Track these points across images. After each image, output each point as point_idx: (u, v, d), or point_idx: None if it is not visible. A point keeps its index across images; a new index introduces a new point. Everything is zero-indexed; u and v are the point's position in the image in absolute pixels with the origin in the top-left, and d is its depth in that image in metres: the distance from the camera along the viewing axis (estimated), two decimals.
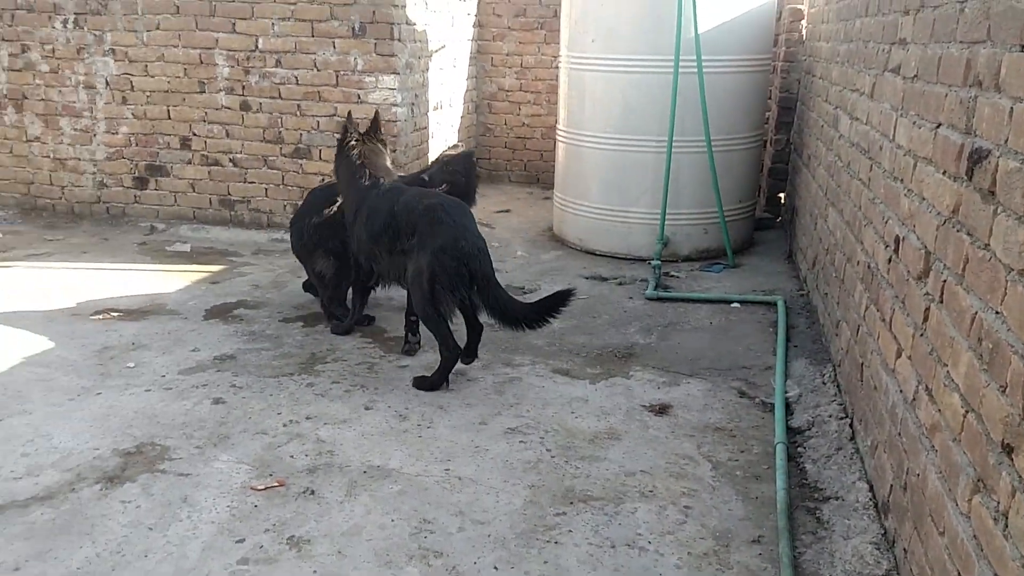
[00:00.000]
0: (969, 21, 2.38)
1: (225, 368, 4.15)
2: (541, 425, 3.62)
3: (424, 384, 3.94)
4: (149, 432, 3.49)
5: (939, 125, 2.56)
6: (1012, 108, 1.98)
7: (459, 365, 4.10)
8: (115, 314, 4.88)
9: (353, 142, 4.49)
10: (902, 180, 2.96)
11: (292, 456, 3.29)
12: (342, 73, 6.49)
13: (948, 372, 2.25)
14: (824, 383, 3.93)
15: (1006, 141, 2.00)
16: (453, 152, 4.89)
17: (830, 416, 3.56)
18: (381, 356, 4.34)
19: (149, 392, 3.87)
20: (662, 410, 3.81)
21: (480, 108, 9.00)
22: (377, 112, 4.97)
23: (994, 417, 1.89)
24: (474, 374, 4.14)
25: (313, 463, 3.24)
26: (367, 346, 4.47)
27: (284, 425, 3.56)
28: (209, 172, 6.89)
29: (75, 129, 7.01)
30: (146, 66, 6.77)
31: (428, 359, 4.29)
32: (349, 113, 4.88)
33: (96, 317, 4.81)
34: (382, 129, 4.79)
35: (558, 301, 3.94)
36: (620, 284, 5.74)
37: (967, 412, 2.07)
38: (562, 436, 3.53)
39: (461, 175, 4.79)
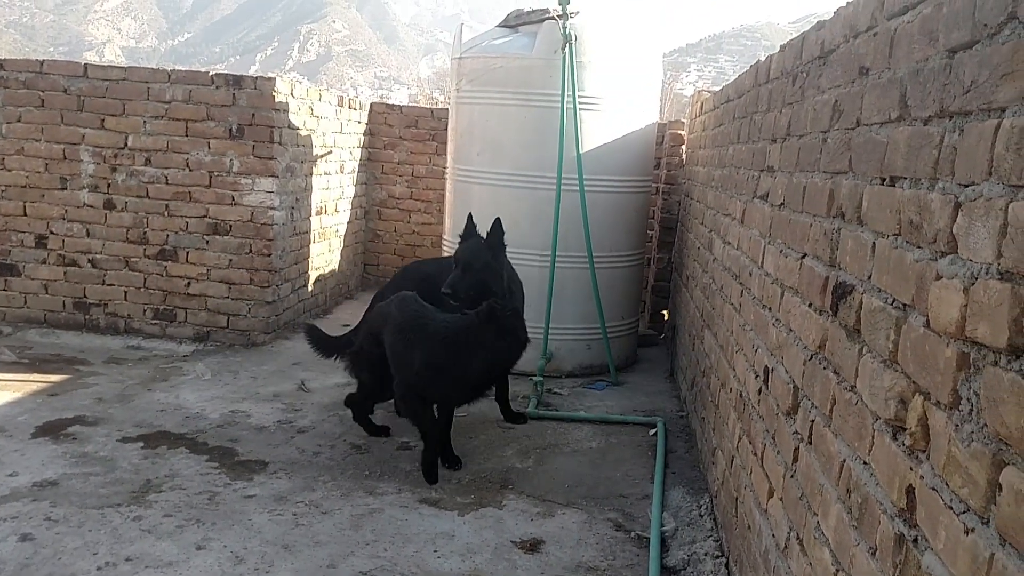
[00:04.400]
0: (832, 151, 2.33)
1: (43, 497, 3.65)
2: (398, 567, 3.27)
3: None
4: None
5: (804, 255, 2.49)
6: (875, 243, 1.89)
7: (313, 495, 3.73)
8: None
9: None
10: (770, 308, 2.87)
11: None
12: (216, 174, 6.20)
13: (819, 522, 2.08)
14: (701, 515, 3.74)
15: (869, 277, 1.90)
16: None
17: (706, 554, 3.35)
18: (226, 484, 3.91)
19: None
20: (533, 547, 3.52)
21: (370, 214, 8.83)
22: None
23: None
24: (330, 505, 3.76)
25: None
26: (212, 471, 4.04)
27: (99, 568, 3.09)
28: (65, 273, 6.40)
29: None
30: (3, 159, 6.32)
31: (280, 487, 3.90)
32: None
33: None
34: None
35: None
36: None
37: (838, 571, 1.89)
38: None
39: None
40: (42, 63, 6.31)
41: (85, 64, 6.37)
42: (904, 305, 1.67)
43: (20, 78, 6.24)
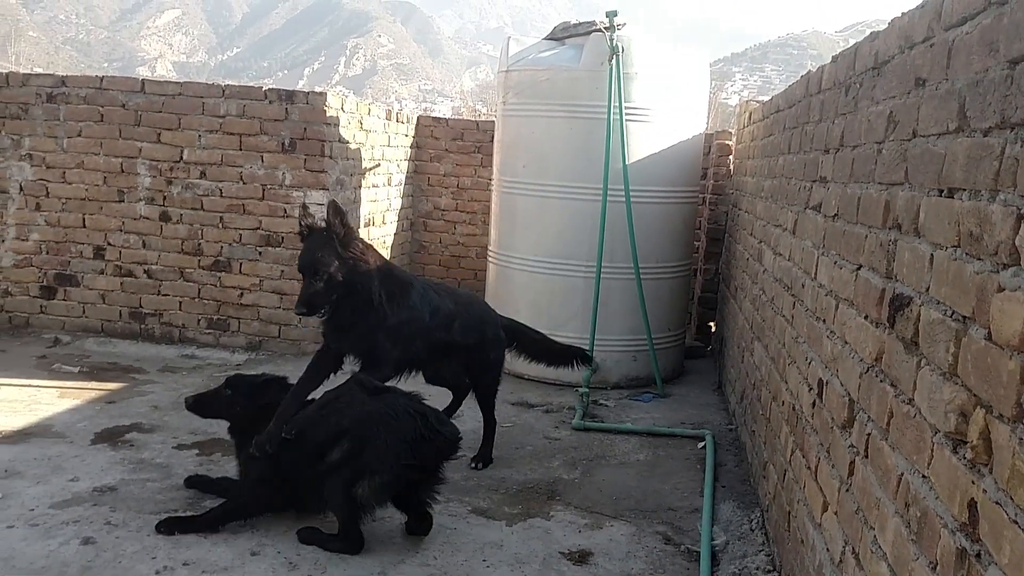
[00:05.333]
0: (887, 162, 2.31)
1: (103, 502, 3.75)
2: None
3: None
4: None
5: (860, 267, 2.47)
6: (932, 255, 1.87)
7: None
8: None
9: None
10: (824, 320, 2.85)
11: None
12: (269, 187, 6.34)
13: (875, 536, 2.06)
14: (752, 529, 3.70)
15: (927, 289, 1.88)
16: None
17: (757, 568, 3.32)
18: None
19: (11, 529, 3.45)
20: (582, 558, 3.53)
21: (416, 226, 8.92)
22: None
23: None
24: (381, 512, 3.79)
25: None
26: None
27: (157, 572, 3.16)
28: (122, 283, 6.58)
29: None
30: (64, 172, 6.53)
31: None
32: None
33: None
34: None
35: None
36: (547, 412, 5.52)
37: None
38: None
39: None
40: (102, 79, 6.51)
41: (143, 80, 6.56)
42: (964, 317, 1.66)
43: (81, 94, 6.44)
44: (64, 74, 6.70)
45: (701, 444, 4.94)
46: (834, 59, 3.29)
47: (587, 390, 5.59)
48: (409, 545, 3.53)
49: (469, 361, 4.52)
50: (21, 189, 6.59)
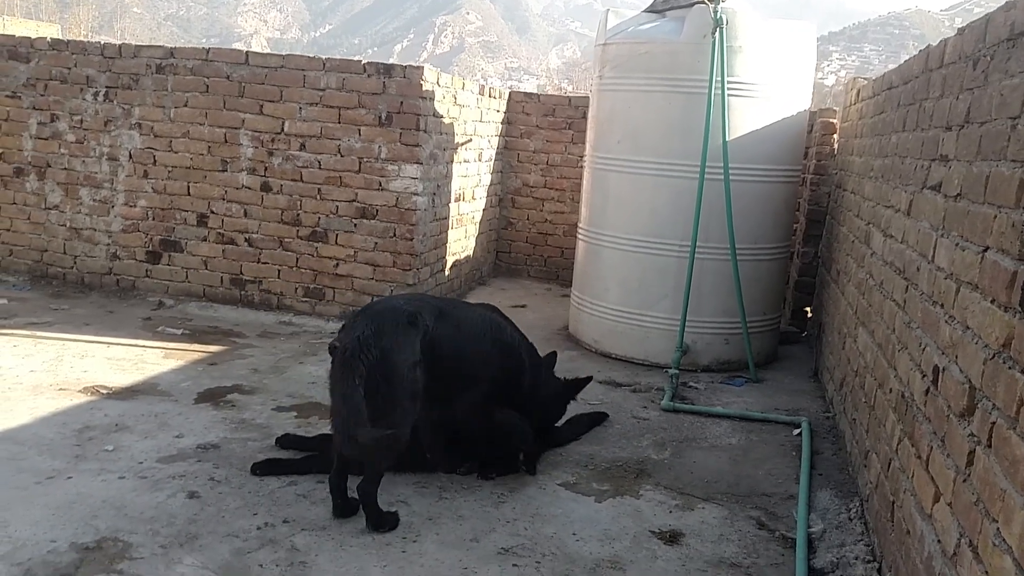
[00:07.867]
0: (1022, 139, 2.18)
1: (207, 458, 3.90)
2: (539, 547, 3.31)
3: None
4: (114, 525, 3.22)
5: (986, 248, 2.34)
6: None
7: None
8: (103, 391, 4.68)
9: None
10: (942, 305, 2.72)
11: (261, 566, 3.00)
12: (365, 160, 6.43)
13: (998, 529, 1.96)
14: (850, 519, 3.60)
15: None
16: None
17: (856, 558, 3.22)
18: None
19: (123, 480, 3.62)
20: (673, 538, 3.49)
21: (504, 202, 8.94)
22: None
23: None
24: (471, 482, 3.85)
25: None
26: None
27: (258, 528, 3.27)
28: (223, 250, 6.79)
29: (94, 200, 6.97)
30: (171, 142, 6.76)
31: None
32: None
33: (82, 393, 4.61)
34: None
35: None
36: (635, 391, 5.47)
37: None
38: (561, 562, 3.21)
39: None
40: (208, 51, 6.70)
41: (247, 52, 6.72)
42: None
43: (188, 65, 6.64)
44: (172, 46, 6.92)
45: (796, 431, 4.82)
46: (960, 31, 3.12)
47: (676, 372, 5.52)
48: (499, 514, 3.56)
49: None
50: (131, 157, 6.85)
